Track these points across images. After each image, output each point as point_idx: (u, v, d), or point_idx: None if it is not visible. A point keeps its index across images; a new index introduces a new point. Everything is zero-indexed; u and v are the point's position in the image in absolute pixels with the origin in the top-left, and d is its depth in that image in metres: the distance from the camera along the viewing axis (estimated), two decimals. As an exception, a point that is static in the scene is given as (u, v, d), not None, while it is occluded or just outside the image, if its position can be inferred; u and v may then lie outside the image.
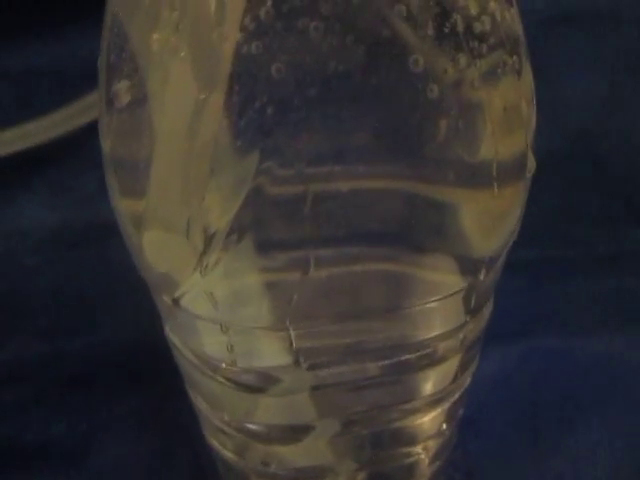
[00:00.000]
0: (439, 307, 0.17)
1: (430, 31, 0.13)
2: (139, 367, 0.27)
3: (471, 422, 0.25)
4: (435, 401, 0.20)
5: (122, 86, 0.14)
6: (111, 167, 0.16)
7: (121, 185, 0.16)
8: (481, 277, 0.17)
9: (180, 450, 0.26)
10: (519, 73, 0.16)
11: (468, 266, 0.17)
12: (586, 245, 0.33)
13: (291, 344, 0.16)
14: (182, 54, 0.13)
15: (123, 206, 0.16)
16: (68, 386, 0.28)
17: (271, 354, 0.17)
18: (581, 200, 0.34)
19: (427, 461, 0.22)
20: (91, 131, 0.17)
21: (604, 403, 0.27)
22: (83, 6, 0.20)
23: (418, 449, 0.21)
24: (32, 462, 0.26)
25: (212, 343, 0.17)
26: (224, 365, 0.17)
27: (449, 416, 0.21)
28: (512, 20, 0.15)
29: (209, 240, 0.15)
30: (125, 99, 0.14)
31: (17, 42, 0.34)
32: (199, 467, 0.25)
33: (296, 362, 0.17)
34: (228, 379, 0.18)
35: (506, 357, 0.29)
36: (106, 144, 0.16)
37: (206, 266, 0.15)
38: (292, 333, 0.16)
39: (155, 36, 0.13)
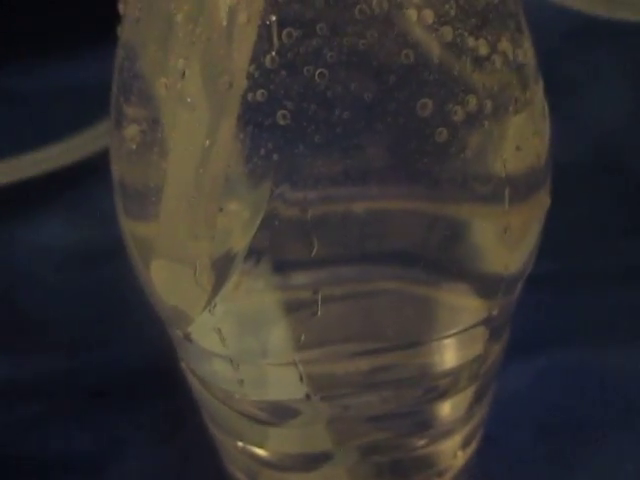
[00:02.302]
0: (460, 338, 0.17)
1: (439, 74, 0.13)
2: (157, 382, 0.28)
3: (491, 439, 0.24)
4: (455, 427, 0.20)
5: (132, 130, 0.14)
6: (120, 191, 0.16)
7: (128, 209, 0.16)
8: (501, 303, 0.17)
9: (198, 464, 0.26)
10: (530, 102, 0.15)
11: (488, 292, 0.17)
12: (610, 258, 0.32)
13: (301, 378, 0.16)
14: (188, 100, 0.13)
15: (130, 229, 0.17)
16: (87, 401, 0.28)
17: (282, 388, 0.17)
18: (606, 212, 0.34)
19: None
20: (109, 154, 0.17)
21: (627, 420, 0.27)
22: (100, 29, 0.20)
23: (437, 474, 0.21)
24: (51, 475, 0.27)
25: (223, 376, 0.17)
26: (236, 396, 0.18)
27: (467, 442, 0.21)
28: (524, 53, 0.15)
29: (224, 269, 0.15)
30: (135, 143, 0.14)
31: (35, 66, 0.35)
32: (217, 480, 0.25)
33: (307, 396, 0.17)
34: (240, 410, 0.18)
35: (527, 373, 0.28)
36: (116, 169, 0.16)
37: (215, 305, 0.15)
38: (301, 368, 0.16)
39: (163, 80, 0.13)
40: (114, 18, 0.16)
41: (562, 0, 0.25)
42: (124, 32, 0.16)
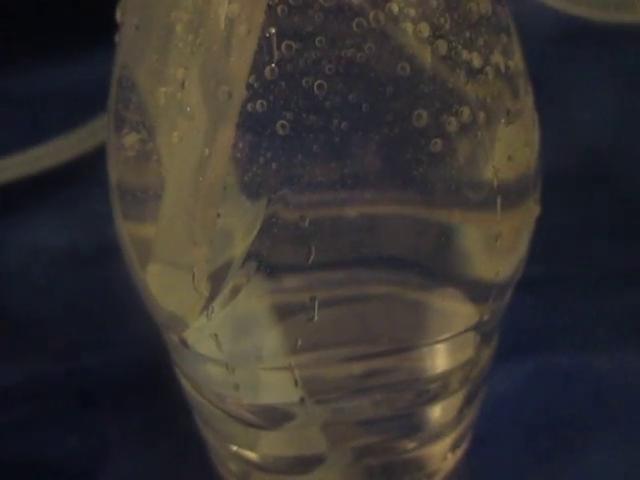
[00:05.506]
0: (452, 343, 0.17)
1: (433, 86, 0.14)
2: (150, 383, 0.28)
3: (481, 442, 0.25)
4: (446, 430, 0.20)
5: (131, 138, 0.14)
6: (117, 194, 0.17)
7: (126, 211, 0.16)
8: (492, 308, 0.17)
9: (189, 467, 0.26)
10: (521, 113, 0.16)
11: (479, 298, 0.17)
12: (598, 263, 0.33)
13: (296, 383, 0.16)
14: (188, 109, 0.13)
15: (127, 232, 0.17)
16: (81, 403, 0.28)
17: (277, 392, 0.17)
18: (593, 218, 0.34)
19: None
20: (103, 152, 0.17)
21: (617, 422, 0.27)
22: (96, 31, 0.20)
23: (427, 477, 0.22)
24: (46, 478, 0.27)
25: (218, 381, 0.17)
26: (231, 400, 0.18)
27: (457, 444, 0.22)
28: (516, 64, 0.15)
29: (221, 275, 0.15)
30: (133, 151, 0.14)
31: (30, 66, 0.35)
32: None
33: (302, 400, 0.17)
34: (234, 414, 0.18)
35: (517, 375, 0.29)
36: (113, 173, 0.17)
37: (212, 310, 0.15)
38: (296, 372, 0.16)
39: (162, 89, 0.14)
40: (112, 20, 0.16)
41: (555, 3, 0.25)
42: (122, 40, 0.16)
